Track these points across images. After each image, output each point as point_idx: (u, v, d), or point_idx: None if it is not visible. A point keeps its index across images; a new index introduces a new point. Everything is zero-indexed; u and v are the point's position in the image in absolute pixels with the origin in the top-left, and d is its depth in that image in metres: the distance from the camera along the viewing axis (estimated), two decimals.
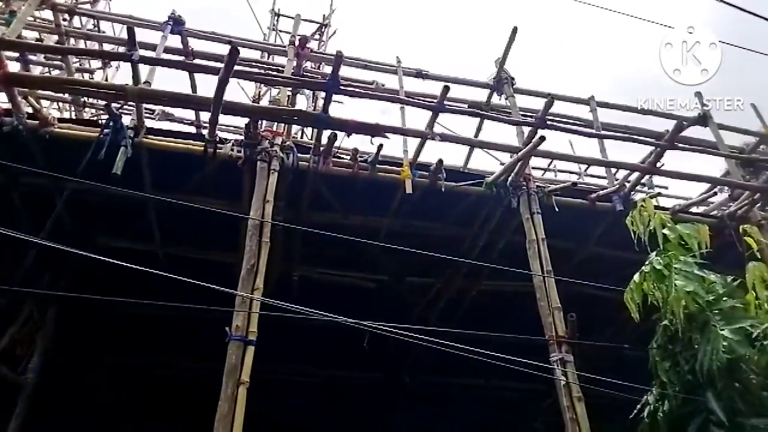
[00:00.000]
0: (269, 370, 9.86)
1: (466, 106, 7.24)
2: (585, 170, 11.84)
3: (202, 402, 5.02)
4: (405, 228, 7.13)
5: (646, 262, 3.67)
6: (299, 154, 6.12)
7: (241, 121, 6.43)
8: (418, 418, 11.69)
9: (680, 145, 6.14)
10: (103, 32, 9.29)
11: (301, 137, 9.66)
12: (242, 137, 5.98)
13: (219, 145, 6.00)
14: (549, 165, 11.64)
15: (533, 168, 10.66)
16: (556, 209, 6.41)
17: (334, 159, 6.18)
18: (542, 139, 5.56)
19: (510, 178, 6.35)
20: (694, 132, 7.90)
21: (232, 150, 5.95)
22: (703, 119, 7.35)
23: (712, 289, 3.35)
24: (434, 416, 11.28)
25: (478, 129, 7.77)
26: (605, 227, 7.00)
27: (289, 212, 6.55)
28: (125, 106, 6.80)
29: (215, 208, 5.42)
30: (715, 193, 7.08)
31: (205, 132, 6.21)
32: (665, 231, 3.67)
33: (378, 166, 6.28)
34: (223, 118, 8.60)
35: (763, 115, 8.07)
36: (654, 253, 3.70)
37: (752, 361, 3.41)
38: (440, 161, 6.10)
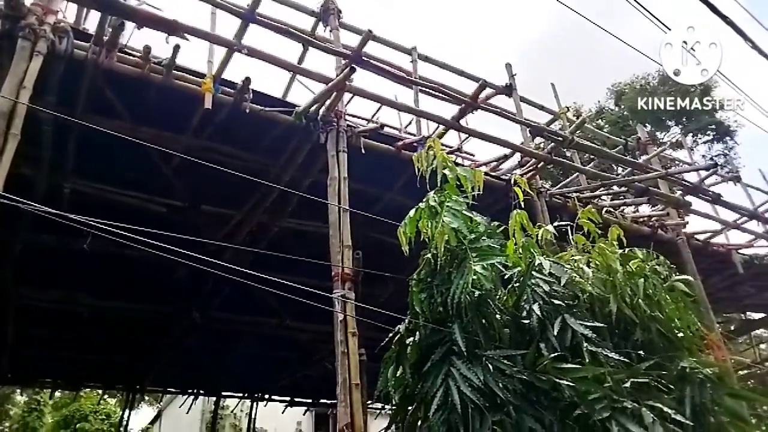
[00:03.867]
0: (37, 297, 8.67)
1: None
2: (405, 127, 12.19)
3: None
4: (206, 151, 6.51)
5: (424, 199, 3.70)
6: (77, 41, 5.17)
7: None
8: (208, 355, 11.31)
9: (482, 105, 6.42)
10: None
11: None
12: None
13: None
14: (372, 117, 11.78)
15: (355, 116, 10.60)
16: (363, 151, 6.34)
17: (122, 55, 5.33)
18: (353, 69, 5.38)
19: (321, 112, 6.11)
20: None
21: None
22: (509, 89, 7.83)
23: (475, 229, 3.47)
24: (224, 353, 10.99)
25: (300, 59, 7.39)
26: (409, 176, 7.14)
27: (62, 112, 5.56)
28: None
29: None
30: (507, 157, 7.65)
31: None
32: (446, 171, 3.72)
33: (177, 73, 5.59)
34: None
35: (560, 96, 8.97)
36: (432, 191, 3.75)
37: (501, 300, 3.64)
38: (248, 79, 5.61)
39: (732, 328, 16.71)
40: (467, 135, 8.22)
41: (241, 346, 10.73)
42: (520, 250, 3.66)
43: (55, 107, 5.44)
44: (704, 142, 19.74)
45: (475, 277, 3.03)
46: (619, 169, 15.59)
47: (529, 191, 4.42)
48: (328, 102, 6.02)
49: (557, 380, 2.96)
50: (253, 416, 13.42)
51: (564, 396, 2.95)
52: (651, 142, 8.84)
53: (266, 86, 6.48)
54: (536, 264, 3.59)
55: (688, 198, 8.57)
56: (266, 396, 13.39)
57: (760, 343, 20.03)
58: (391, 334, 3.43)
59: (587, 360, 3.12)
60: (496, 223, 3.81)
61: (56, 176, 6.41)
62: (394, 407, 3.23)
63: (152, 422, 20.39)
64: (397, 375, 3.22)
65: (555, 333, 3.21)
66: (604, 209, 6.74)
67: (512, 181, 7.04)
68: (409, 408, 3.12)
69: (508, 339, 3.36)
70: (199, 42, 5.55)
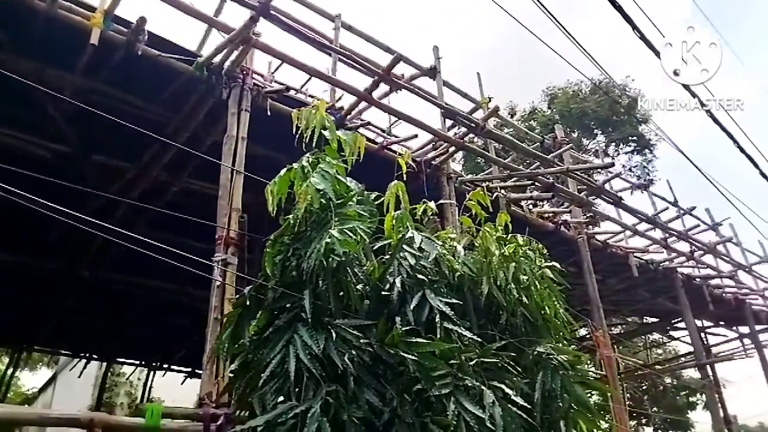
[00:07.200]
0: None
1: None
2: (337, 101, 11.90)
3: None
4: (97, 95, 6.03)
5: (300, 159, 3.50)
6: None
7: None
8: (100, 318, 10.71)
9: (399, 82, 6.28)
10: None
11: None
12: None
13: None
14: (302, 87, 11.42)
15: (281, 83, 10.20)
16: (268, 113, 6.05)
17: None
18: (254, 20, 5.08)
19: (226, 66, 5.77)
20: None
21: None
22: (433, 72, 7.73)
23: (345, 194, 3.31)
24: (118, 317, 10.44)
25: (217, 11, 7.01)
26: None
27: None
28: None
29: None
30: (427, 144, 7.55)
31: None
32: (325, 132, 3.53)
33: (65, 3, 5.11)
34: None
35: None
36: (310, 153, 3.56)
37: (369, 270, 3.51)
38: (142, 18, 5.19)
39: (633, 329, 17.60)
40: (387, 113, 8.08)
41: (137, 311, 10.23)
42: (394, 222, 3.55)
43: None
44: (626, 153, 20.61)
45: (329, 240, 2.86)
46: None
47: (412, 164, 4.31)
48: (234, 56, 5.69)
49: (404, 354, 2.86)
50: (149, 385, 12.89)
51: (409, 370, 2.86)
52: (567, 141, 9.01)
53: (185, 41, 6.08)
54: (407, 237, 3.48)
55: (599, 202, 8.85)
56: (165, 366, 12.88)
57: (656, 347, 21.13)
58: (238, 296, 3.23)
59: (440, 336, 3.04)
60: (375, 194, 3.66)
61: None
62: (231, 374, 3.04)
63: (46, 385, 19.31)
64: (240, 342, 3.02)
65: (412, 307, 3.12)
66: (495, 195, 6.78)
67: (423, 164, 7.05)
68: (248, 375, 2.94)
69: (368, 310, 3.24)
70: None
